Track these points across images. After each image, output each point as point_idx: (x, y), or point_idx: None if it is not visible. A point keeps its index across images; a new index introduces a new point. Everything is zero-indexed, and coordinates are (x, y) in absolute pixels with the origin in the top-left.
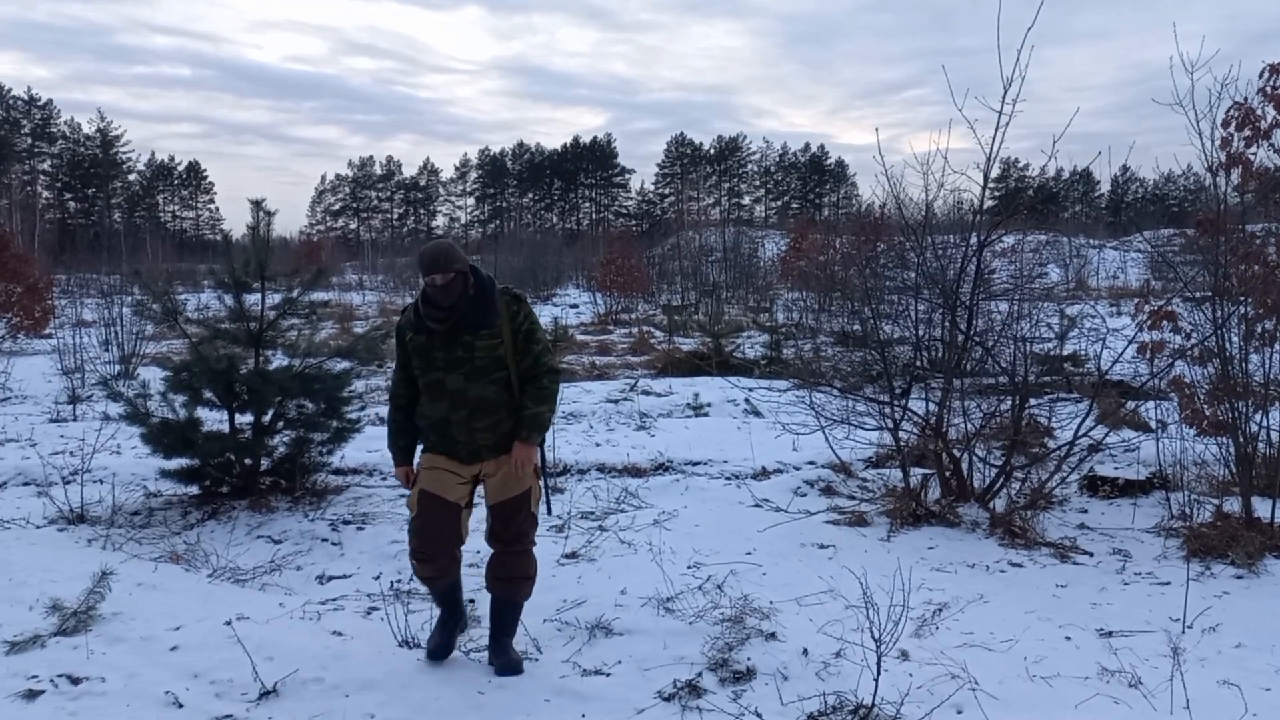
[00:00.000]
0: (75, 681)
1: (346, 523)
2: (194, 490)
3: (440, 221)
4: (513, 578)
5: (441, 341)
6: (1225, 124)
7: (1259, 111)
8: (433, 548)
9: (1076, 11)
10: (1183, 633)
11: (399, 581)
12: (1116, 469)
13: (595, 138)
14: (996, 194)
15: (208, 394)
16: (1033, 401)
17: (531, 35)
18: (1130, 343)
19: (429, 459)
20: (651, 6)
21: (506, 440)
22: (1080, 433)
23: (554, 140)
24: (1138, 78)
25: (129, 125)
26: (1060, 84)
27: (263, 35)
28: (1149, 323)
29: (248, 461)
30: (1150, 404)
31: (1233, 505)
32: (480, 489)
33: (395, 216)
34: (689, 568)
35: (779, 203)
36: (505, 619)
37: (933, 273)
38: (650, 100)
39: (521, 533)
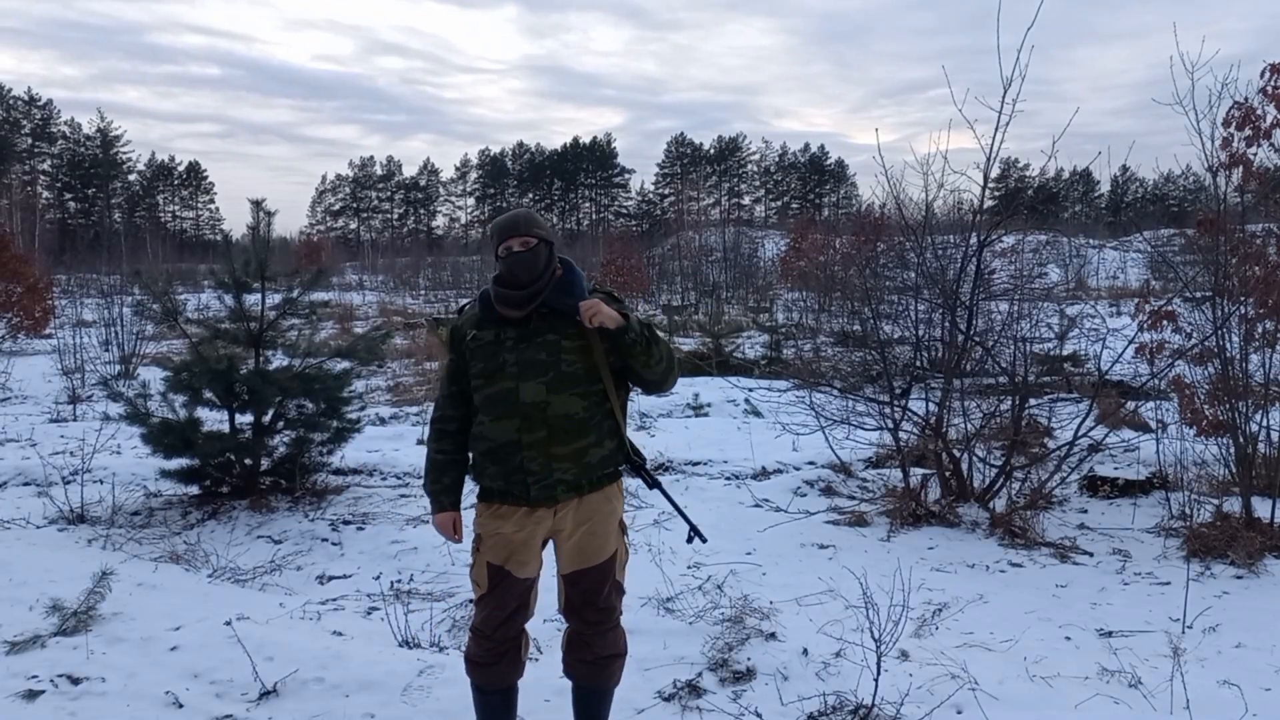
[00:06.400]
0: (75, 681)
1: (346, 523)
2: (194, 490)
3: (440, 221)
4: (600, 660)
5: (516, 339)
6: (1226, 124)
7: (1260, 111)
8: (498, 628)
9: (1118, 9)
10: (1183, 633)
11: (399, 581)
12: (1116, 469)
13: (595, 138)
14: (996, 194)
15: (208, 394)
16: (1033, 401)
17: (566, 33)
18: (1130, 343)
19: (488, 517)
20: (690, 5)
21: (589, 477)
22: (1080, 433)
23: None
24: (1169, 76)
25: (150, 125)
26: (1089, 83)
27: (296, 34)
28: (1149, 323)
29: (248, 461)
30: (1150, 404)
31: (1233, 505)
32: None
33: (395, 216)
34: (689, 568)
35: (779, 203)
36: (594, 712)
37: (933, 273)
38: (674, 100)
39: (608, 608)
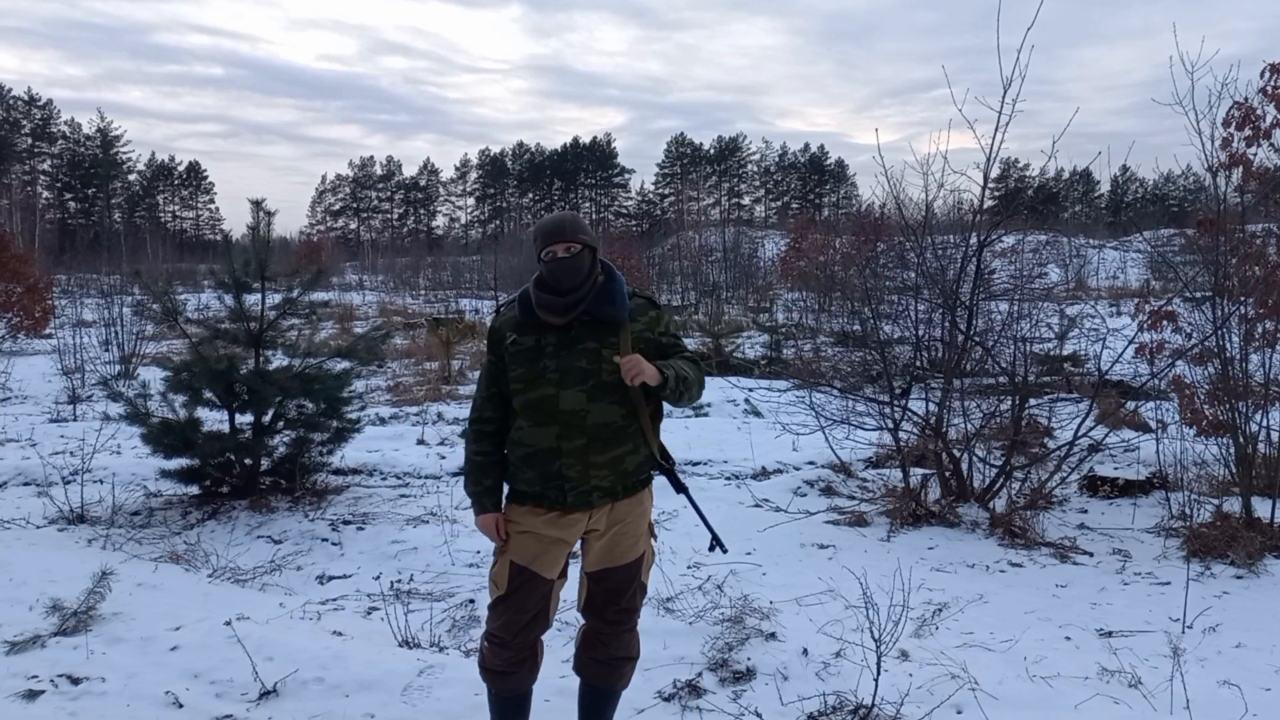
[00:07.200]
0: (75, 681)
1: (346, 523)
2: (194, 490)
3: (440, 221)
4: (614, 660)
5: (556, 346)
6: (1226, 124)
7: (1259, 111)
8: (517, 634)
9: (1123, 9)
10: (1183, 633)
11: (399, 581)
12: (1116, 469)
13: (595, 137)
14: (996, 194)
15: (208, 394)
16: (1033, 401)
17: (570, 33)
18: (1130, 343)
19: (518, 516)
20: (694, 4)
21: (625, 483)
22: (1080, 433)
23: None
24: (1171, 76)
25: (153, 125)
26: (1093, 83)
27: (301, 34)
28: (1149, 323)
29: (248, 461)
30: (1150, 404)
31: (1233, 505)
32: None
33: (395, 216)
34: (689, 568)
35: (779, 203)
36: (600, 712)
37: (933, 273)
38: (677, 100)
39: (630, 608)
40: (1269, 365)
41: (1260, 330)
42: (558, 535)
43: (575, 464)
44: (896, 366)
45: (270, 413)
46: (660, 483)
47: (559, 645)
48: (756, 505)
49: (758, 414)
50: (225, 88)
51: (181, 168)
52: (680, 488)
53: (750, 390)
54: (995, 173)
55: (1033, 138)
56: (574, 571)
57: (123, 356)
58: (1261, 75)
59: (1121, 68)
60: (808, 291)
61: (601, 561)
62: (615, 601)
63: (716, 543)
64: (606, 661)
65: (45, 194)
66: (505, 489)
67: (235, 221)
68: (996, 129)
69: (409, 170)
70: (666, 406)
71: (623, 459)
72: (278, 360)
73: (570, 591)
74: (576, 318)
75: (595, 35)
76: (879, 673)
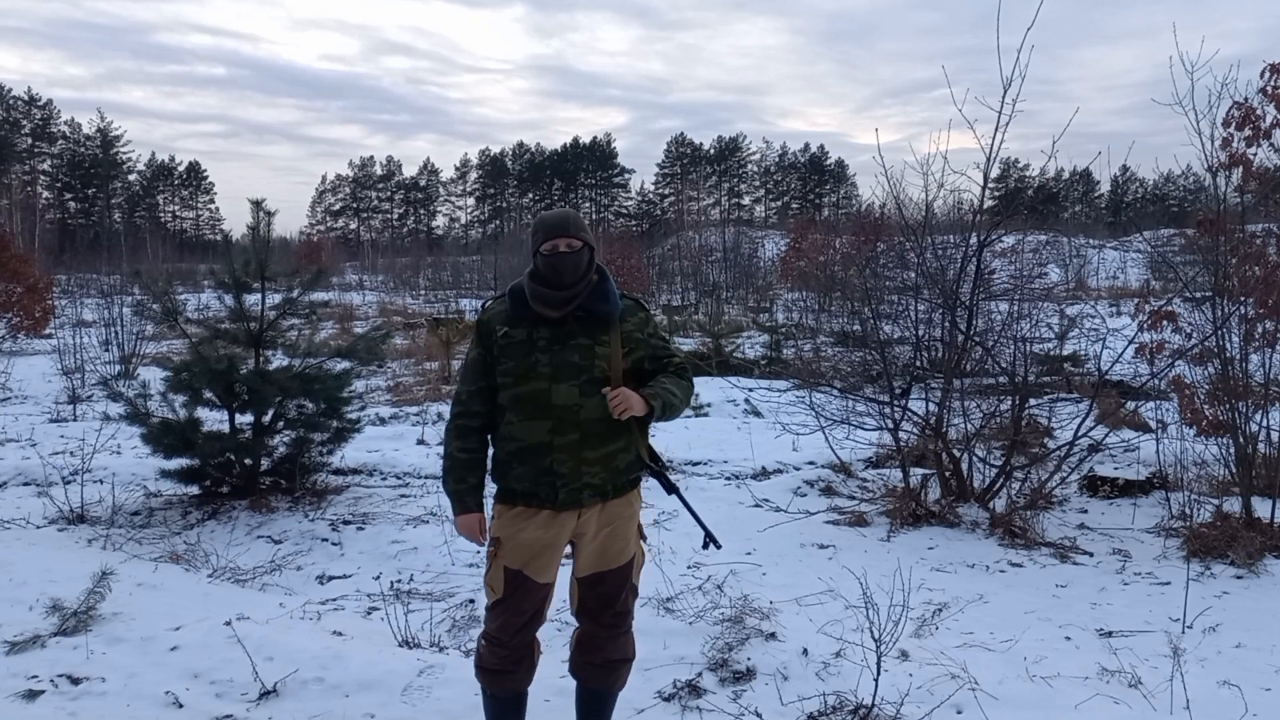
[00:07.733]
0: (75, 681)
1: (346, 523)
2: (194, 490)
3: (440, 221)
4: (610, 663)
5: (549, 341)
6: (1226, 124)
7: (1259, 111)
8: (514, 636)
9: (1125, 9)
10: (1183, 633)
11: (399, 581)
12: (1116, 469)
13: (595, 137)
14: (996, 194)
15: (208, 394)
16: (1033, 401)
17: (572, 33)
18: (1130, 343)
19: (509, 519)
20: (697, 4)
21: (615, 482)
22: (1080, 433)
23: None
24: (1171, 76)
25: (154, 125)
26: (1094, 83)
27: (303, 34)
28: (1149, 323)
29: (248, 461)
30: (1150, 404)
31: (1233, 505)
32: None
33: (395, 216)
34: (689, 568)
35: (779, 203)
36: (598, 713)
37: (933, 273)
38: (679, 100)
39: (624, 611)
40: (1269, 365)
41: (1260, 330)
42: (549, 539)
43: (567, 460)
44: (896, 366)
45: (270, 413)
46: (657, 483)
47: (558, 645)
48: (756, 505)
49: (758, 414)
50: (227, 88)
51: (181, 168)
52: (670, 488)
53: (750, 390)
54: (995, 173)
55: (1033, 138)
56: (564, 573)
57: (123, 356)
58: (1261, 75)
59: (1122, 68)
60: (808, 291)
61: (593, 565)
62: (609, 605)
63: (710, 539)
64: (602, 665)
65: (45, 194)
66: (493, 488)
67: (235, 221)
68: (996, 129)
69: (409, 170)
70: None
71: (615, 456)
72: (278, 360)
73: (563, 591)
74: (571, 313)
75: (597, 35)
76: (879, 673)
